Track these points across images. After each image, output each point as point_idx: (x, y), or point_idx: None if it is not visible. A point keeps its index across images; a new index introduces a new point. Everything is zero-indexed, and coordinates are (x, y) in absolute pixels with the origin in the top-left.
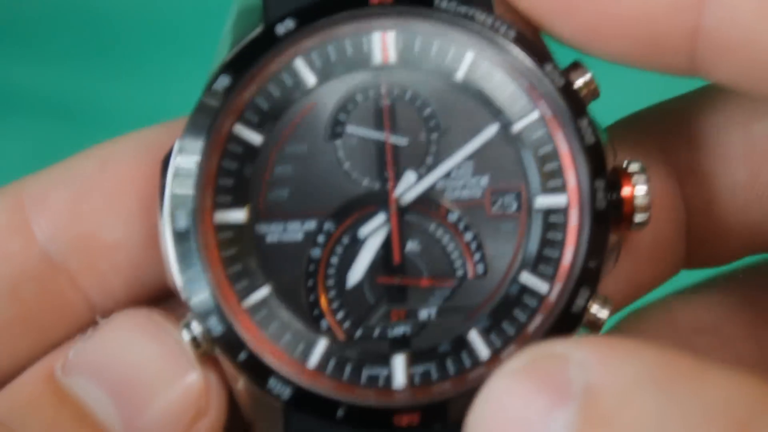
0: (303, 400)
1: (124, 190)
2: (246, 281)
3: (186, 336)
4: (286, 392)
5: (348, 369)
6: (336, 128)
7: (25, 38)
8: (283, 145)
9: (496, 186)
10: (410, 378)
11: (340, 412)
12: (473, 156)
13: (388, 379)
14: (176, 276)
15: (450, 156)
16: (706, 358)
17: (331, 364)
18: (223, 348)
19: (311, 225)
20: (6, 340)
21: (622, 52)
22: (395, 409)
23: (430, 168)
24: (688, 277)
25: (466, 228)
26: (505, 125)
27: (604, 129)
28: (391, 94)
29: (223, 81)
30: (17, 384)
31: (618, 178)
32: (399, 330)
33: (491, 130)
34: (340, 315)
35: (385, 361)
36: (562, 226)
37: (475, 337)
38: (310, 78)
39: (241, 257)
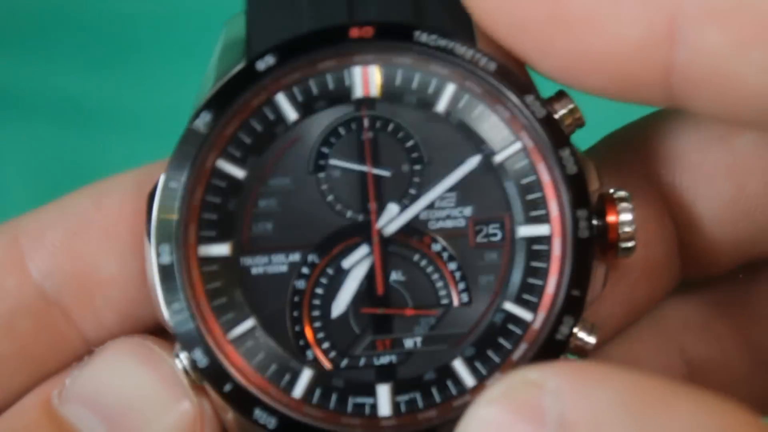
0: (289, 429)
1: (119, 226)
2: (231, 313)
3: (177, 366)
4: (272, 422)
5: (334, 398)
6: (319, 161)
7: (25, 38)
8: (266, 179)
9: (480, 216)
10: (395, 406)
11: None
12: (456, 187)
13: (374, 407)
14: (163, 309)
15: (432, 187)
16: (677, 383)
17: (317, 393)
18: (208, 379)
19: (296, 257)
20: (1, 375)
21: (599, 87)
22: None
23: (414, 199)
24: None
25: (450, 258)
26: (488, 156)
27: (588, 153)
28: (373, 127)
29: (205, 117)
30: (14, 411)
31: (603, 205)
32: (385, 359)
33: (473, 161)
34: (325, 345)
35: (370, 389)
36: (546, 256)
37: (459, 366)
38: (291, 113)
39: (225, 290)
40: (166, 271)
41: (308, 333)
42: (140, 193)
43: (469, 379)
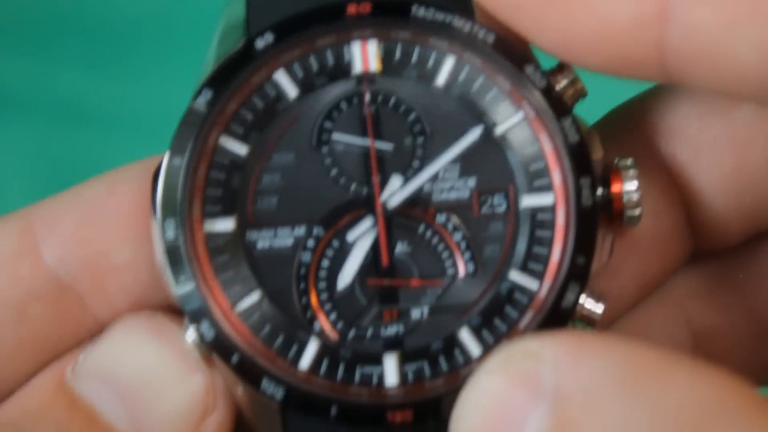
0: (297, 399)
1: (132, 213)
2: (237, 287)
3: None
4: (279, 393)
5: (341, 369)
6: (322, 136)
7: (25, 38)
8: (269, 154)
9: (483, 187)
10: (403, 376)
11: (333, 411)
12: (459, 158)
13: (381, 377)
14: (170, 284)
15: (435, 159)
16: (673, 354)
17: (325, 364)
18: (216, 351)
19: (301, 231)
20: (15, 359)
21: (595, 64)
22: (388, 407)
23: (417, 172)
24: None
25: (455, 229)
26: (489, 127)
27: (590, 126)
28: (374, 102)
29: (206, 95)
30: (29, 388)
31: (608, 174)
32: (392, 330)
33: (475, 133)
34: (332, 316)
35: (377, 360)
36: (550, 224)
37: (466, 335)
38: (291, 89)
39: (232, 264)
40: (171, 246)
41: (315, 305)
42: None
43: (475, 349)
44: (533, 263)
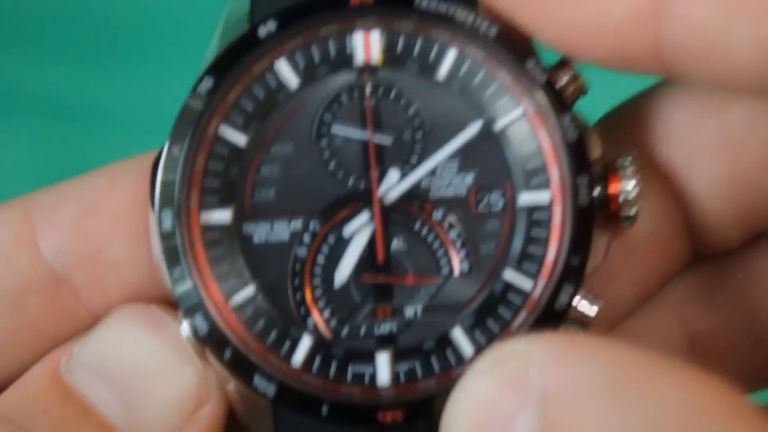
0: (288, 397)
1: (132, 209)
2: (232, 280)
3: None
4: (271, 389)
5: (334, 366)
6: (321, 128)
7: (25, 38)
8: (268, 145)
9: (481, 183)
10: (395, 375)
11: (324, 409)
12: (457, 154)
13: (373, 376)
14: (165, 275)
15: (434, 154)
16: (662, 357)
17: (317, 361)
18: (209, 346)
19: (297, 224)
20: (9, 350)
21: (594, 58)
22: (379, 406)
23: (415, 166)
24: None
25: (451, 226)
26: (489, 122)
27: (591, 125)
28: (375, 94)
29: (207, 83)
30: (24, 381)
31: (606, 174)
32: (385, 328)
33: (475, 127)
34: (326, 313)
35: (370, 358)
36: (546, 223)
37: (459, 335)
38: (293, 79)
39: (227, 257)
40: (168, 237)
41: (309, 301)
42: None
43: (468, 349)
44: (528, 262)
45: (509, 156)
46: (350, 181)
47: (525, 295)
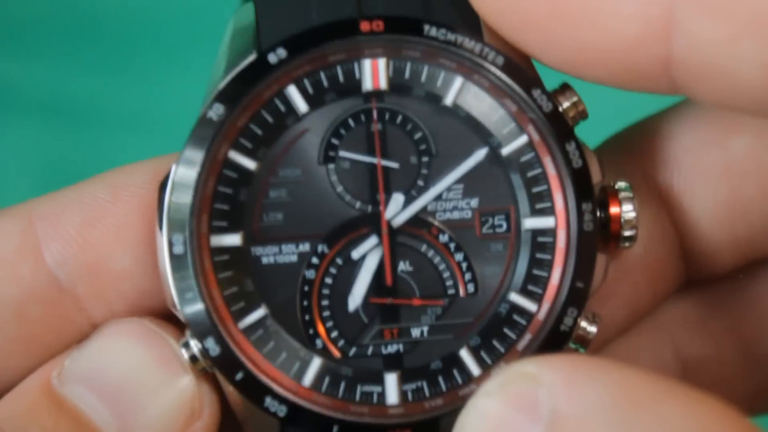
0: (299, 417)
1: (135, 220)
2: (242, 303)
3: (185, 354)
4: (282, 410)
5: (342, 386)
6: (329, 153)
7: (26, 38)
8: (277, 169)
9: (486, 208)
10: (403, 394)
11: (334, 429)
12: (463, 179)
13: (382, 395)
14: (174, 298)
15: (440, 179)
16: (667, 380)
17: (326, 381)
18: (220, 368)
19: (305, 247)
20: (11, 359)
21: (602, 79)
22: (388, 426)
23: (421, 191)
24: None
25: (457, 248)
26: (494, 149)
27: (593, 150)
28: (382, 119)
29: (218, 109)
30: (16, 393)
31: (605, 197)
32: (392, 348)
33: (480, 154)
34: (334, 334)
35: (378, 378)
36: (551, 247)
37: (465, 355)
38: (302, 105)
39: (237, 279)
40: (178, 261)
41: (317, 322)
42: (157, 186)
43: (474, 368)
44: (533, 285)
45: (514, 181)
46: (358, 205)
47: (530, 317)
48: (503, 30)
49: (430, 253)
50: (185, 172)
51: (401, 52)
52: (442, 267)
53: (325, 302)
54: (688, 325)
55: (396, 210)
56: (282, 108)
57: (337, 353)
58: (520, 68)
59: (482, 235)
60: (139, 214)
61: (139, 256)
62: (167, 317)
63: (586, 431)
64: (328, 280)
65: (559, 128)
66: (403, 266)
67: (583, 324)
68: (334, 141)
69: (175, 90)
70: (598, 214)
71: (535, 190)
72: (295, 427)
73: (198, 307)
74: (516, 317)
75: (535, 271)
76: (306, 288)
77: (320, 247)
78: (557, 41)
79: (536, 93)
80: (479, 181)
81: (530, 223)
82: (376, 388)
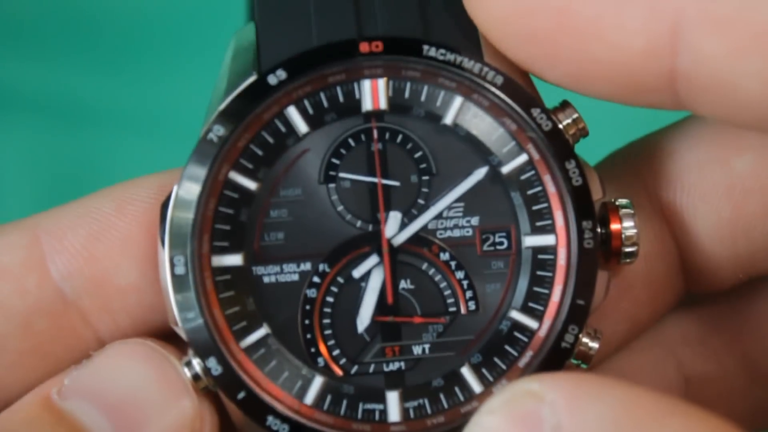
0: None
1: (140, 234)
2: (244, 322)
3: (187, 373)
4: (284, 429)
5: (344, 404)
6: (329, 172)
7: (28, 38)
8: (277, 189)
9: (486, 226)
10: (404, 412)
11: None
12: (463, 197)
13: (384, 413)
14: (177, 318)
15: (441, 198)
16: (670, 398)
17: (328, 399)
18: (222, 387)
19: (307, 266)
20: (17, 371)
21: (607, 94)
22: None
23: (422, 209)
24: None
25: (458, 266)
26: (494, 167)
27: (593, 166)
28: (383, 139)
29: (218, 130)
30: (14, 408)
31: (606, 213)
32: (394, 366)
33: (480, 172)
34: (336, 352)
35: (380, 396)
36: (551, 265)
37: (467, 372)
38: (302, 125)
39: (238, 299)
40: (180, 281)
41: (319, 341)
42: (162, 200)
43: (476, 386)
44: (534, 303)
45: (514, 200)
46: (358, 224)
47: (531, 334)
48: (507, 46)
49: (431, 271)
50: (186, 192)
51: (401, 73)
52: (443, 285)
53: (326, 321)
54: (690, 342)
55: (397, 228)
56: (282, 129)
57: (338, 371)
58: (520, 87)
59: (483, 253)
60: (144, 228)
61: (144, 270)
62: (171, 332)
63: None
64: (330, 299)
65: (559, 147)
66: (405, 284)
67: (585, 340)
68: (335, 161)
69: (175, 90)
70: (599, 230)
71: (535, 208)
72: None
73: (200, 327)
74: (517, 334)
75: (536, 289)
76: (307, 307)
77: (321, 266)
78: (562, 55)
79: (536, 112)
80: (480, 200)
81: (531, 240)
82: (378, 406)
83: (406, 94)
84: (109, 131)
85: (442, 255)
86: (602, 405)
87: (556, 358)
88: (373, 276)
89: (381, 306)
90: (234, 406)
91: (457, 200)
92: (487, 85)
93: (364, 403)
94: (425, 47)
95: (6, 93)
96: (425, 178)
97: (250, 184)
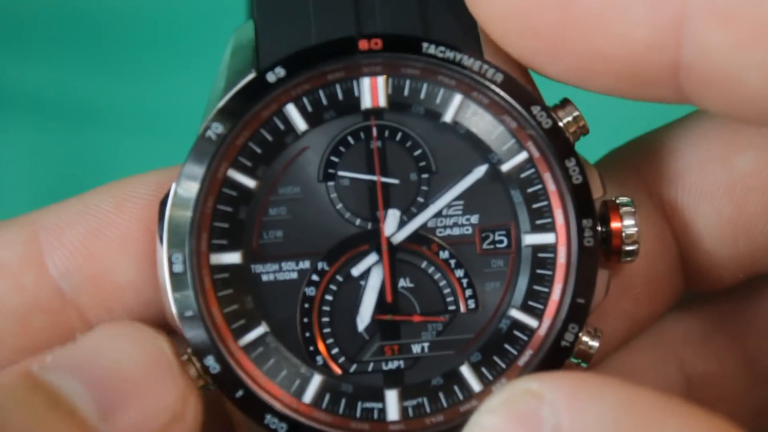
0: None
1: (139, 231)
2: (242, 320)
3: (191, 371)
4: (283, 427)
5: (343, 403)
6: (328, 170)
7: (28, 38)
8: (276, 187)
9: (486, 224)
10: (403, 411)
11: None
12: (463, 195)
13: (382, 412)
14: (174, 315)
15: (440, 196)
16: (670, 398)
17: (327, 398)
18: (220, 386)
19: (305, 264)
20: None
21: (610, 87)
22: None
23: (421, 207)
24: None
25: (458, 265)
26: (494, 165)
27: (594, 164)
28: (382, 137)
29: (217, 128)
30: None
31: (607, 211)
32: (393, 364)
33: (480, 171)
34: (334, 351)
35: (379, 394)
36: (551, 264)
37: (466, 371)
38: (301, 123)
39: (237, 297)
40: (178, 279)
41: (318, 339)
42: (161, 197)
43: (475, 384)
44: (534, 301)
45: (514, 198)
46: (357, 222)
47: (531, 333)
48: (509, 41)
49: (431, 270)
50: (185, 190)
51: (400, 70)
52: (442, 283)
53: (325, 319)
54: (691, 342)
55: (396, 227)
56: (281, 126)
57: (337, 370)
58: (520, 85)
59: (483, 252)
60: (143, 226)
61: (143, 267)
62: (169, 330)
63: None
64: (329, 297)
65: (559, 144)
66: (404, 283)
67: (585, 339)
68: (334, 159)
69: (174, 90)
70: (599, 228)
71: (535, 206)
72: None
73: (198, 324)
74: (517, 333)
75: (536, 287)
76: (306, 305)
77: (320, 265)
78: (566, 49)
79: (536, 110)
80: (479, 198)
81: (531, 239)
82: (377, 405)
83: (406, 92)
84: (109, 131)
85: (441, 253)
86: (602, 405)
87: (555, 357)
88: (372, 274)
89: (380, 304)
90: (232, 405)
91: (457, 198)
92: (487, 83)
93: (363, 402)
94: (425, 45)
95: (6, 93)
96: (425, 176)
97: (249, 182)
